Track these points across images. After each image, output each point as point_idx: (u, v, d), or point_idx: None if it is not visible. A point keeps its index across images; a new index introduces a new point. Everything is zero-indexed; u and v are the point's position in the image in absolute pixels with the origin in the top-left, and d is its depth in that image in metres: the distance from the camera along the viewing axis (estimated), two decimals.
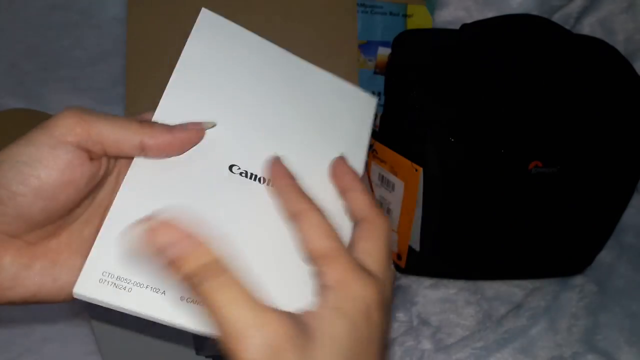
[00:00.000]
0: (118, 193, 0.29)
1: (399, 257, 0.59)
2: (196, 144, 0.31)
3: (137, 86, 0.55)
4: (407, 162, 0.53)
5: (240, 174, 0.33)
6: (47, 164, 0.27)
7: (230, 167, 0.32)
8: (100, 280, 0.27)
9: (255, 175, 0.33)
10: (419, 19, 0.68)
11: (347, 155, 0.35)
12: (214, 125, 0.32)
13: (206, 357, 0.50)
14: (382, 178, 0.56)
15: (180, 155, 0.31)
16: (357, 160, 0.36)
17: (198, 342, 0.48)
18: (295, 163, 0.33)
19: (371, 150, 0.56)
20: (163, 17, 0.56)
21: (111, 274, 0.28)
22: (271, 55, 0.36)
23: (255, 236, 0.31)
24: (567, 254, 0.60)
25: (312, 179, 0.33)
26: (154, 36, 0.56)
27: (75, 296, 0.27)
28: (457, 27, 0.57)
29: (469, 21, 0.57)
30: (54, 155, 0.28)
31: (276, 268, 0.31)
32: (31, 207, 0.28)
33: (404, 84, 0.53)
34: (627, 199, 0.56)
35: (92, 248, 0.28)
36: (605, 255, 0.63)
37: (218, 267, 0.26)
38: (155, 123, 0.30)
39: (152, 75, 0.50)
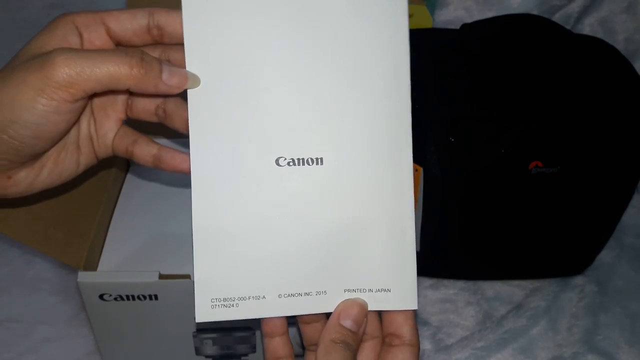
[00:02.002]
0: (193, 229, 0.33)
1: None
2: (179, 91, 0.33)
3: None
4: None
5: (288, 164, 0.33)
6: (40, 113, 0.30)
7: (277, 161, 0.33)
8: (212, 306, 0.33)
9: (302, 159, 0.33)
10: (419, 18, 0.68)
11: (391, 77, 0.34)
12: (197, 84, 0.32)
13: (206, 357, 0.50)
14: None
15: (229, 160, 0.33)
16: (403, 76, 0.34)
17: (198, 342, 0.48)
18: (338, 114, 0.33)
19: None
20: None
21: (218, 299, 0.33)
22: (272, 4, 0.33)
23: (313, 219, 0.33)
24: (568, 254, 0.60)
25: (356, 120, 0.33)
26: None
27: (197, 322, 0.33)
28: (457, 26, 0.57)
29: (469, 21, 0.57)
30: (47, 105, 0.30)
31: (334, 248, 0.34)
32: (31, 148, 0.31)
33: None
34: (627, 199, 0.56)
35: (195, 282, 0.33)
36: (605, 255, 0.63)
37: None
38: (146, 62, 0.31)
39: None
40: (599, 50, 0.57)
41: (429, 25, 0.69)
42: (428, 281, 0.61)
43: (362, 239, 0.34)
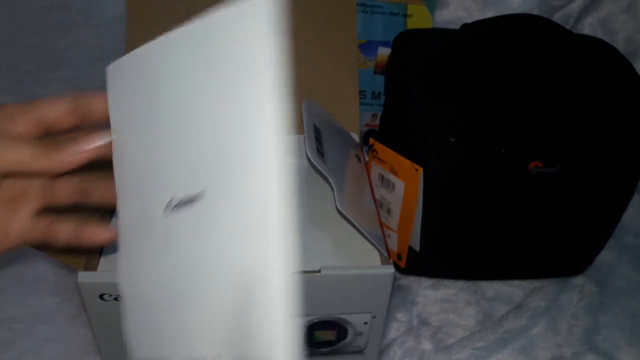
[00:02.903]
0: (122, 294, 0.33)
1: (399, 257, 0.59)
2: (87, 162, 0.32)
3: None
4: (407, 162, 0.53)
5: (176, 206, 0.31)
6: None
7: (170, 202, 0.31)
8: None
9: (188, 198, 0.30)
10: (419, 18, 0.68)
11: (268, 101, 0.26)
12: (108, 140, 0.33)
13: None
14: (382, 178, 0.56)
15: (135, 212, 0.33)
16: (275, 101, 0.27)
17: None
18: (219, 144, 0.29)
19: (371, 150, 0.56)
20: (162, 17, 0.56)
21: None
22: (176, 53, 0.31)
23: (201, 270, 0.30)
24: (568, 254, 0.60)
25: (237, 147, 0.28)
26: (153, 36, 0.56)
27: None
28: (457, 27, 0.57)
29: (469, 21, 0.57)
30: None
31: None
32: None
33: (403, 83, 0.53)
34: (627, 199, 0.56)
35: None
36: (605, 256, 0.63)
37: None
38: (57, 148, 0.32)
39: None
40: (599, 50, 0.57)
41: (429, 25, 0.69)
42: (428, 281, 0.61)
43: (253, 295, 0.27)
